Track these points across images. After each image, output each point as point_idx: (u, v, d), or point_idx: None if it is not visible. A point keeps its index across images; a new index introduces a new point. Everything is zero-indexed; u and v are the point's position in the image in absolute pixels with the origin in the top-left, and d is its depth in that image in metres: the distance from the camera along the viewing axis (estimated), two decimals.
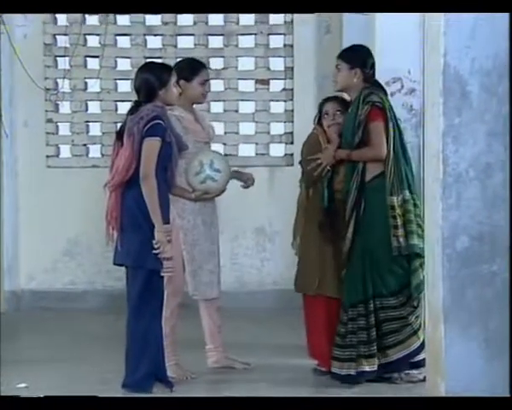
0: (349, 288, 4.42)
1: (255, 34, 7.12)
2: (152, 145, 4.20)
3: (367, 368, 4.34)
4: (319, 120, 4.71)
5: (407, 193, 4.37)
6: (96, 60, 7.15)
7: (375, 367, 4.36)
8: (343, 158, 4.49)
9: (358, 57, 4.52)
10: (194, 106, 4.86)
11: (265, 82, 7.14)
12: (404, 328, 4.38)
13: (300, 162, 4.76)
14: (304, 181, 4.69)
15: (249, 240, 6.93)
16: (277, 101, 7.16)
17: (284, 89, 7.12)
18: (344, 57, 4.53)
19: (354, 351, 4.36)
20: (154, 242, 4.16)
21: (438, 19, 3.69)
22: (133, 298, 4.25)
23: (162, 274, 4.23)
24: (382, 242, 4.35)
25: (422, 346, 4.30)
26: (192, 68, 4.77)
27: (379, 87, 4.55)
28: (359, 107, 4.39)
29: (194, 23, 7.13)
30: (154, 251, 4.16)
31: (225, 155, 6.99)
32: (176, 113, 4.61)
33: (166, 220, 4.27)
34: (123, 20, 7.18)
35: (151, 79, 4.28)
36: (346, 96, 4.71)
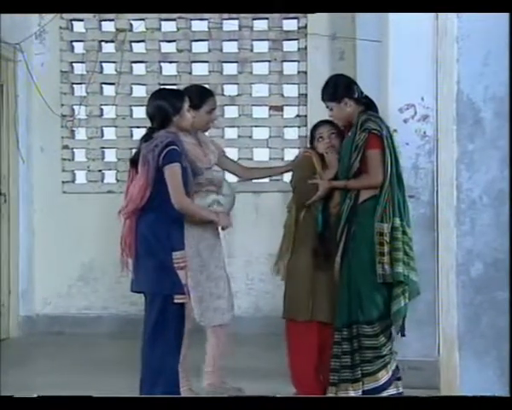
0: (337, 310, 4.37)
1: (269, 61, 7.17)
2: (174, 171, 4.19)
3: (352, 393, 4.27)
4: (311, 143, 4.66)
5: (397, 220, 4.28)
6: (112, 87, 7.22)
7: (360, 392, 4.27)
8: (340, 188, 4.44)
9: (340, 89, 4.45)
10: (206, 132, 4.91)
11: (279, 108, 7.17)
12: (375, 359, 4.28)
13: (291, 184, 4.68)
14: (295, 204, 4.60)
15: (263, 265, 6.92)
16: (291, 127, 7.19)
17: (298, 115, 7.15)
18: (327, 97, 4.48)
19: (336, 375, 4.32)
20: (179, 266, 4.19)
21: (451, 46, 3.70)
22: (149, 324, 4.22)
23: (176, 301, 4.20)
24: (366, 267, 4.27)
25: (389, 382, 4.27)
26: (200, 96, 4.77)
27: (373, 107, 4.49)
28: (357, 132, 4.36)
29: (209, 50, 7.19)
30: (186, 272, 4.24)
31: (239, 180, 7.03)
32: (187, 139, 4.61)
33: (181, 247, 4.27)
34: (138, 47, 7.26)
35: (165, 105, 4.29)
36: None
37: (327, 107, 4.51)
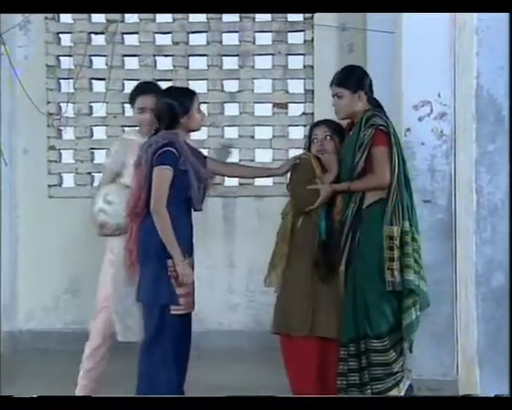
0: (342, 324, 4.34)
1: (272, 54, 7.17)
2: (161, 174, 4.24)
3: None
4: (309, 145, 4.64)
5: (407, 224, 4.26)
6: (102, 82, 7.22)
7: None
8: (343, 191, 4.42)
9: (359, 79, 4.48)
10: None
11: (283, 106, 7.17)
12: (386, 377, 4.26)
13: (288, 188, 4.64)
14: (292, 210, 4.55)
15: (264, 276, 6.88)
16: (296, 126, 7.19)
17: (304, 113, 7.15)
18: (344, 83, 4.47)
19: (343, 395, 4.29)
20: (172, 275, 4.21)
21: (470, 38, 3.70)
22: (146, 337, 4.28)
23: (173, 312, 4.24)
24: (374, 275, 4.26)
25: None
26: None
27: (379, 107, 4.50)
28: (361, 129, 4.35)
29: (208, 43, 7.20)
30: (177, 286, 4.22)
31: (240, 184, 7.04)
32: (131, 136, 4.76)
33: (189, 254, 4.32)
34: (131, 39, 7.26)
35: (172, 105, 4.37)
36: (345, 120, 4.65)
37: (335, 94, 4.47)
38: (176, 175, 4.27)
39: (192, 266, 4.37)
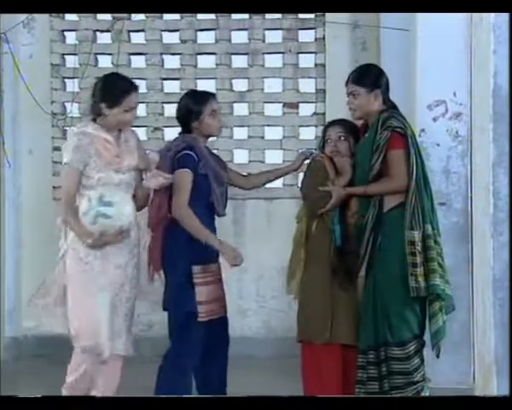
0: (360, 331, 4.37)
1: (283, 53, 7.19)
2: (181, 177, 4.32)
3: None
4: (323, 146, 4.65)
5: (429, 228, 4.26)
6: None
7: None
8: (358, 194, 4.44)
9: (376, 78, 4.50)
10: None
11: (294, 106, 7.19)
12: (407, 386, 4.26)
13: (301, 191, 4.66)
14: (306, 213, 4.59)
15: (276, 280, 6.92)
16: (307, 126, 7.20)
17: (315, 113, 7.16)
18: (360, 81, 4.48)
19: None
20: (198, 282, 4.29)
21: (487, 35, 3.72)
22: (173, 343, 4.37)
23: (199, 319, 4.33)
24: (396, 281, 4.26)
25: None
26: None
27: (394, 108, 4.51)
28: (377, 131, 4.36)
29: (216, 41, 7.22)
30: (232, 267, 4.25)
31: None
32: (95, 131, 4.35)
33: (203, 260, 4.36)
34: (137, 37, 7.29)
35: (184, 109, 4.50)
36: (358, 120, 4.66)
37: (350, 93, 4.48)
38: (196, 179, 4.35)
39: (219, 272, 4.49)
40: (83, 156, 4.28)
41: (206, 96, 4.57)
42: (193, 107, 4.46)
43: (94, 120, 4.38)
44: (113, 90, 4.32)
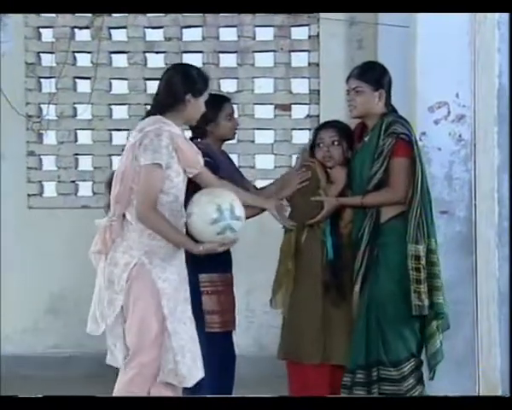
0: (351, 348, 4.32)
1: (274, 51, 7.19)
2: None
3: None
4: (311, 149, 4.61)
5: (433, 242, 4.24)
6: (87, 82, 7.23)
7: None
8: (353, 205, 4.39)
9: (381, 76, 4.47)
10: None
11: (286, 107, 7.19)
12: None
13: (288, 200, 4.58)
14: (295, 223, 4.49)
15: (267, 294, 6.87)
16: (300, 129, 7.20)
17: (308, 115, 7.16)
18: (364, 76, 4.44)
19: None
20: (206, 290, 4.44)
21: (491, 32, 3.72)
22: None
23: (207, 330, 4.42)
24: (394, 297, 4.24)
25: None
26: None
27: (394, 112, 4.49)
28: (380, 137, 4.33)
29: (203, 38, 7.22)
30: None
31: None
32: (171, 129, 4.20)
33: (211, 269, 4.46)
34: (119, 35, 7.28)
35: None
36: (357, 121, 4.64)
37: (353, 89, 4.44)
38: None
39: (231, 283, 4.58)
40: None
41: (222, 99, 4.71)
42: (210, 109, 4.36)
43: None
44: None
